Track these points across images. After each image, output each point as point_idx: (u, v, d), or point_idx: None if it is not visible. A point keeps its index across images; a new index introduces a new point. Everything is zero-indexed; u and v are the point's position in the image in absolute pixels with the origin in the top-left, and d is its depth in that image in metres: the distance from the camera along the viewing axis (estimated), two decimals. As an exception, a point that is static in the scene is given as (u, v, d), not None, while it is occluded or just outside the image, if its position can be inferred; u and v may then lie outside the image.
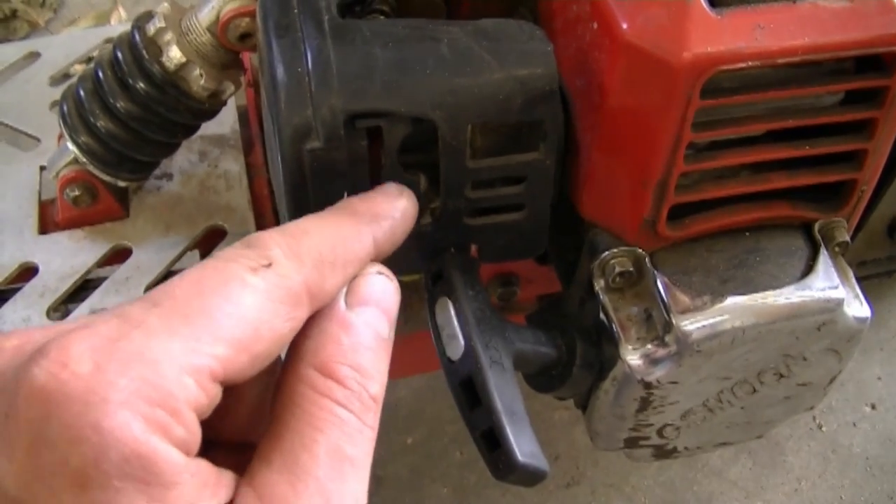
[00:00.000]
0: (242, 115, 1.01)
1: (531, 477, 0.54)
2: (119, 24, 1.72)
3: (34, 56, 1.08)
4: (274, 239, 0.43)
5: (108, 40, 1.09)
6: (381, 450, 1.26)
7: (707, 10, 0.54)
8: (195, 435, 0.38)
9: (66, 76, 1.06)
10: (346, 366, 0.43)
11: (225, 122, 0.97)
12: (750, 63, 0.54)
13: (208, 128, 0.89)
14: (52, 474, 0.35)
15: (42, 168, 0.95)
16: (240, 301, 0.40)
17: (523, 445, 0.54)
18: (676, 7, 0.54)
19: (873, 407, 1.44)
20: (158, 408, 0.36)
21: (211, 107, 0.82)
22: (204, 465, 0.38)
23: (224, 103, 0.84)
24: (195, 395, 0.37)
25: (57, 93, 1.03)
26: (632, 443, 0.70)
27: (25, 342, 0.39)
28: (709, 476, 1.36)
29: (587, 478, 1.36)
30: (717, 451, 0.76)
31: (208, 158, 0.95)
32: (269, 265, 0.42)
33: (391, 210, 0.51)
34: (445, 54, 0.56)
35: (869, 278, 0.80)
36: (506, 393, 0.55)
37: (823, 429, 1.42)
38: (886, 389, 1.46)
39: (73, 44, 1.10)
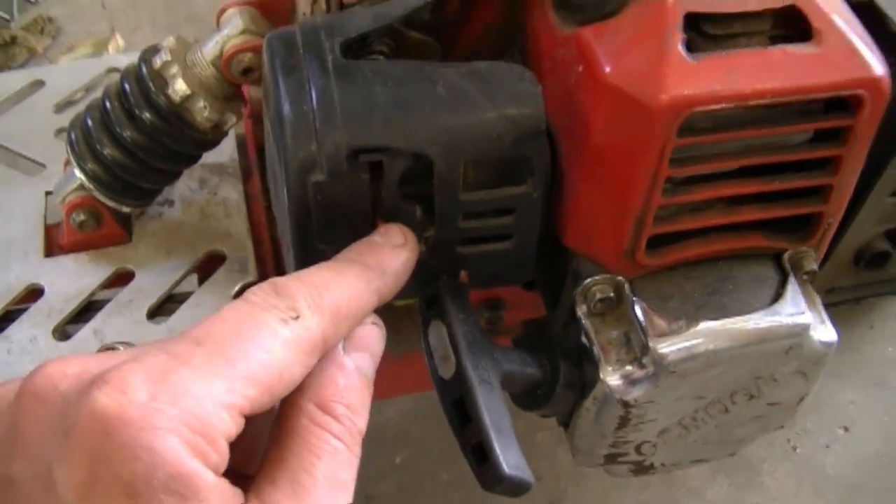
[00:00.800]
0: (240, 145, 1.04)
1: (517, 488, 0.57)
2: (117, 52, 1.76)
3: (38, 84, 1.11)
4: (300, 291, 0.50)
5: (110, 69, 1.12)
6: (370, 468, 1.30)
7: (684, 55, 0.57)
8: (225, 459, 0.44)
9: (69, 104, 1.09)
10: (342, 404, 0.50)
11: (224, 151, 1.00)
12: (723, 104, 0.58)
13: (208, 157, 0.93)
14: (107, 486, 0.41)
15: (48, 193, 0.98)
16: (271, 349, 0.47)
17: (510, 459, 0.57)
18: (655, 52, 0.58)
19: (846, 430, 1.48)
20: (200, 436, 0.42)
21: (213, 137, 0.86)
22: (226, 484, 0.44)
23: (226, 134, 0.87)
24: (228, 427, 0.44)
25: (61, 120, 1.06)
26: (611, 459, 0.73)
27: (83, 371, 0.45)
28: (687, 496, 1.40)
29: (569, 496, 1.39)
30: (693, 467, 0.80)
31: (208, 186, 0.98)
32: (297, 318, 0.48)
33: (397, 264, 0.57)
34: (442, 94, 0.59)
35: (837, 304, 0.84)
36: (494, 410, 0.59)
37: (798, 451, 1.45)
38: (858, 413, 1.50)
39: (76, 72, 1.14)
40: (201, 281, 0.91)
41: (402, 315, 0.95)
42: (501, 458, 0.57)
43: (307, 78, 0.59)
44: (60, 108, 1.10)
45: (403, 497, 1.40)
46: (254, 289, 0.51)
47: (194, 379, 0.44)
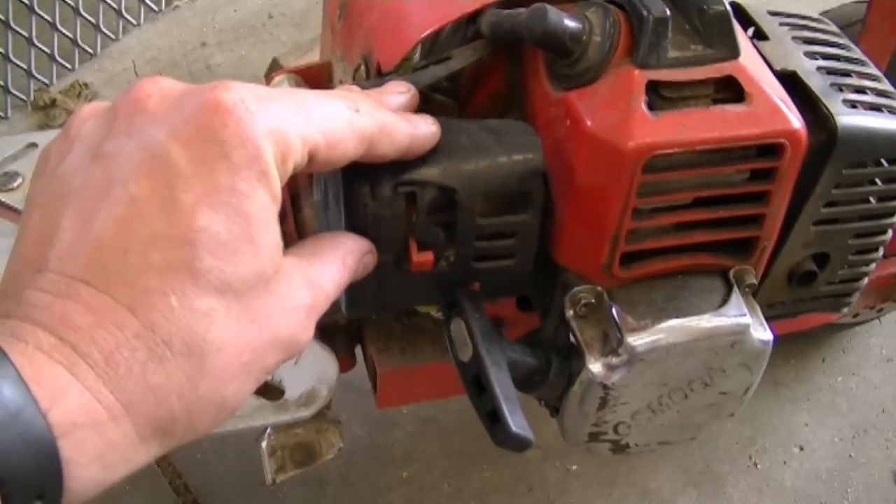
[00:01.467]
0: None
1: (521, 444, 0.70)
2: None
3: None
4: (366, 99, 0.61)
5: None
6: (380, 482, 1.45)
7: (646, 112, 0.71)
8: (285, 176, 0.52)
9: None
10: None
11: None
12: (677, 149, 0.71)
13: None
14: (217, 161, 0.48)
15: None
16: (337, 120, 0.56)
17: (516, 421, 0.70)
18: (625, 110, 0.71)
19: (801, 448, 1.61)
20: (281, 153, 0.51)
21: None
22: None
23: None
24: (298, 153, 0.52)
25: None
26: (594, 437, 0.87)
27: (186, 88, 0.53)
28: None
29: None
30: (661, 447, 0.94)
31: (252, 225, 1.13)
32: (358, 111, 0.58)
33: (428, 134, 0.67)
34: (465, 142, 0.72)
35: (777, 318, 0.97)
36: (503, 384, 0.72)
37: (759, 466, 1.59)
38: (812, 434, 1.63)
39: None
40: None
41: (417, 332, 1.10)
42: (510, 420, 0.70)
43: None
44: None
45: (410, 507, 1.52)
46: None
47: (287, 112, 0.52)
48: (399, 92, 0.68)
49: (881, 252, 0.94)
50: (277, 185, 0.51)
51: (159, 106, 0.51)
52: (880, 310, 1.61)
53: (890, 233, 0.92)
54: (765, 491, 1.56)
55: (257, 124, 0.50)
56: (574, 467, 1.57)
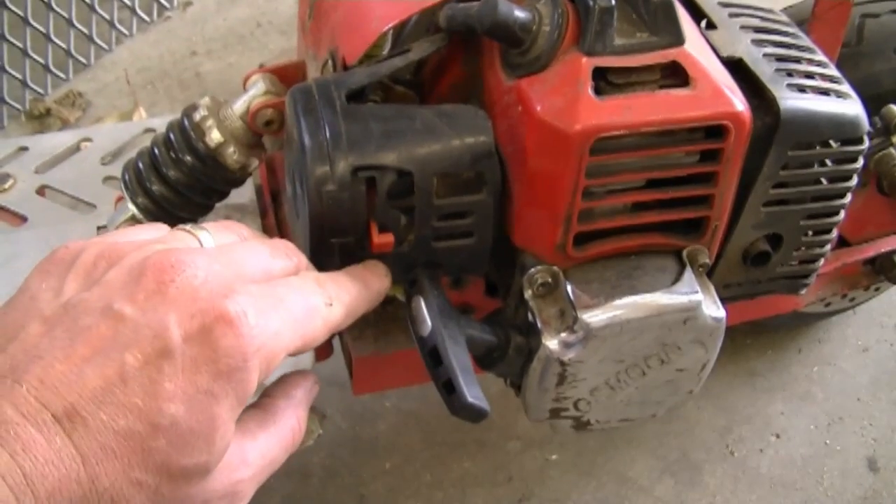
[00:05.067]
0: (258, 190, 1.20)
1: (476, 413, 0.72)
2: (140, 121, 1.94)
3: (88, 140, 1.29)
4: (336, 288, 0.66)
5: (146, 129, 1.30)
6: (364, 473, 1.47)
7: (592, 97, 0.73)
8: (265, 377, 0.58)
9: (114, 157, 1.27)
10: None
11: (244, 194, 1.16)
12: (622, 132, 0.73)
13: (231, 198, 1.07)
14: (205, 364, 0.53)
15: (98, 227, 1.15)
16: (318, 317, 0.62)
17: (472, 391, 0.72)
18: (572, 95, 0.74)
19: (777, 436, 1.63)
20: (267, 362, 0.57)
21: (241, 176, 1.02)
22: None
23: (250, 174, 1.04)
24: (279, 360, 0.58)
25: (108, 170, 1.24)
26: (555, 413, 0.89)
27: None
28: (638, 493, 1.55)
29: (535, 495, 1.54)
30: (623, 425, 0.95)
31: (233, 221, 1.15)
32: (331, 305, 0.64)
33: (381, 287, 0.74)
34: (419, 127, 0.75)
35: (735, 298, 0.99)
36: (459, 357, 0.74)
37: (735, 454, 1.61)
38: (788, 422, 1.65)
39: (118, 132, 1.31)
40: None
41: (390, 320, 1.13)
42: (465, 390, 0.72)
43: (321, 117, 0.74)
44: (106, 160, 1.26)
45: (392, 497, 1.53)
46: (305, 275, 0.66)
47: (278, 325, 0.57)
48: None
49: (834, 233, 0.96)
50: (249, 393, 0.56)
51: (177, 294, 0.55)
52: (852, 299, 1.63)
53: (842, 214, 0.94)
54: (741, 478, 1.58)
55: (254, 341, 0.55)
56: (553, 457, 1.59)
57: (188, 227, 0.66)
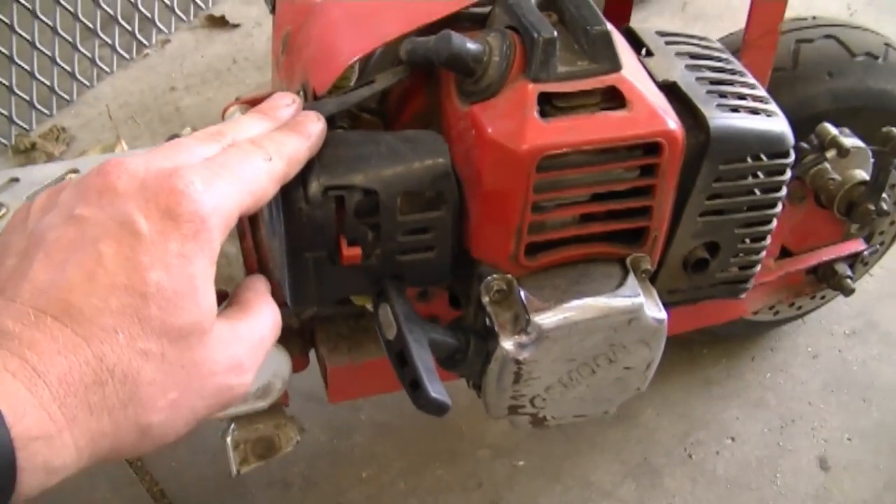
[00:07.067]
0: None
1: (439, 407, 0.79)
2: (123, 154, 1.99)
3: (75, 171, 1.34)
4: (271, 145, 0.69)
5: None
6: (341, 482, 1.53)
7: (538, 119, 0.80)
8: (224, 236, 0.61)
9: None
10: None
11: None
12: (565, 150, 0.80)
13: None
14: (171, 232, 0.57)
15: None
16: (261, 173, 0.66)
17: (434, 388, 0.79)
18: (520, 118, 0.80)
19: (733, 439, 1.69)
20: (223, 221, 0.60)
21: None
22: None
23: None
24: (234, 218, 0.62)
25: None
26: (513, 410, 0.94)
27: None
28: (601, 496, 1.60)
29: (505, 499, 1.60)
30: (578, 421, 0.99)
31: (212, 242, 1.21)
32: (271, 160, 0.67)
33: (318, 131, 0.76)
34: (384, 151, 0.81)
35: (680, 303, 1.05)
36: (423, 358, 0.81)
37: (693, 457, 1.67)
38: (743, 426, 1.71)
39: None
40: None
41: (362, 332, 1.19)
42: (429, 387, 0.78)
43: (294, 143, 0.82)
44: (93, 189, 1.32)
45: (369, 504, 1.59)
46: (241, 142, 0.68)
47: (226, 188, 0.61)
48: (286, 105, 0.77)
49: (768, 240, 1.02)
50: (216, 252, 0.60)
51: (126, 186, 0.59)
52: (799, 307, 1.70)
53: (775, 222, 1.01)
54: (699, 480, 1.64)
55: (205, 204, 0.59)
56: (521, 463, 1.65)
57: None
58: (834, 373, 1.81)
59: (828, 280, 1.45)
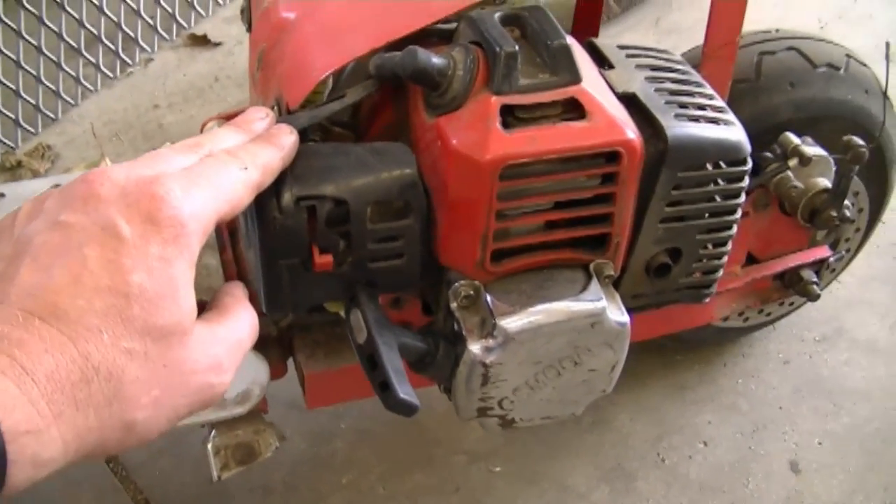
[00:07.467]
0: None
1: (408, 408, 0.81)
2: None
3: (58, 187, 1.37)
4: (246, 155, 0.71)
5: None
6: (321, 488, 1.56)
7: (501, 130, 0.83)
8: (202, 242, 0.63)
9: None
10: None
11: None
12: (527, 159, 0.83)
13: None
14: (152, 236, 0.59)
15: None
16: (238, 182, 0.68)
17: (404, 389, 0.81)
18: (483, 129, 0.83)
19: (705, 444, 1.71)
20: (202, 227, 0.62)
21: None
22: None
23: None
24: (213, 225, 0.64)
25: (78, 213, 1.32)
26: (482, 412, 0.97)
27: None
28: (577, 499, 1.62)
29: (482, 503, 1.63)
30: (546, 422, 1.01)
31: (193, 255, 1.23)
32: (246, 169, 0.69)
33: (290, 144, 0.78)
34: (353, 162, 0.84)
35: (644, 308, 1.08)
36: (392, 361, 0.83)
37: (666, 462, 1.69)
38: (715, 430, 1.73)
39: (86, 178, 1.39)
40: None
41: (339, 340, 1.22)
42: (398, 388, 0.81)
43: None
44: (76, 204, 1.34)
45: (350, 510, 1.61)
46: (218, 153, 0.70)
47: (204, 195, 0.63)
48: (260, 118, 0.79)
49: (730, 246, 1.05)
50: (195, 256, 0.62)
51: (109, 193, 0.60)
52: (769, 314, 1.74)
53: (735, 228, 1.04)
54: (672, 484, 1.66)
55: (184, 210, 0.61)
56: (497, 468, 1.67)
57: None
58: (805, 378, 1.84)
59: (794, 286, 1.48)
